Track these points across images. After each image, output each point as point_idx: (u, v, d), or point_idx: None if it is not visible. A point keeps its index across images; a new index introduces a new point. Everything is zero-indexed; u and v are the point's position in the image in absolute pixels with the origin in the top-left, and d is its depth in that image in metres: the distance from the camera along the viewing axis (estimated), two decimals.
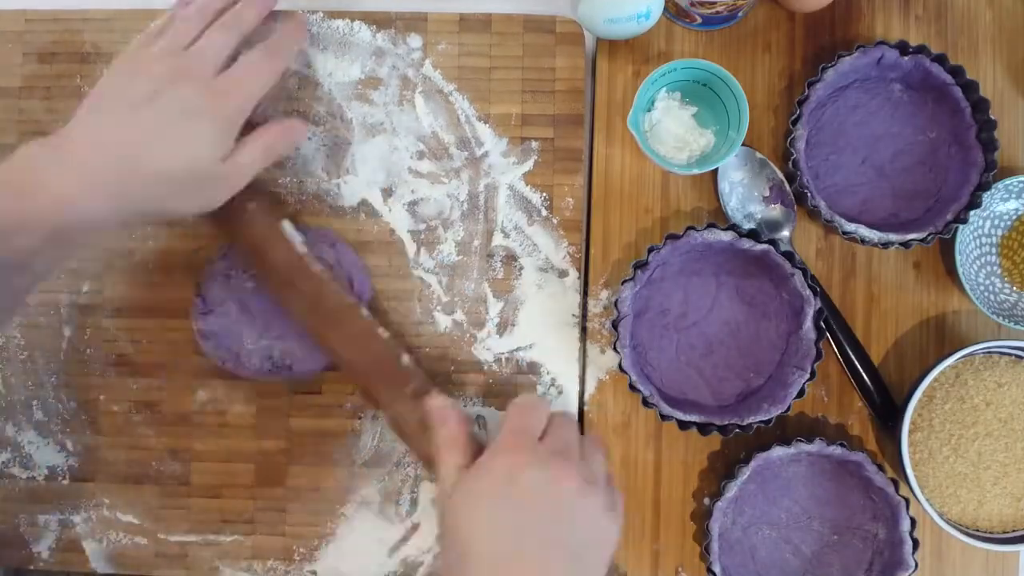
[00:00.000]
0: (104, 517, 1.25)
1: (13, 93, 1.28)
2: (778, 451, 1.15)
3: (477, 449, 1.08)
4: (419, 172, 1.25)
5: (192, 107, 1.08)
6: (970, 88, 1.16)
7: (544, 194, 1.25)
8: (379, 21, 1.27)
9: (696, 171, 1.18)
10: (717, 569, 1.15)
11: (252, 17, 1.17)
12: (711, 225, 1.15)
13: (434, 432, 1.09)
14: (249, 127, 1.14)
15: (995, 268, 1.23)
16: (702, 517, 1.22)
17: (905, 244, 1.16)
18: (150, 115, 1.06)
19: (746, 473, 1.15)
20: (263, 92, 1.14)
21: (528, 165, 1.25)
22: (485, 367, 1.25)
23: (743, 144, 1.19)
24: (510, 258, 1.25)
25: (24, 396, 1.26)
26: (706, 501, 1.22)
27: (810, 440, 1.15)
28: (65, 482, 1.25)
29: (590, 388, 1.24)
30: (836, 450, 1.15)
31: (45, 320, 1.26)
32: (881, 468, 1.15)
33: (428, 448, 1.11)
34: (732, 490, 1.15)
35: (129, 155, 1.05)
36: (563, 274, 1.24)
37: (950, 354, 1.14)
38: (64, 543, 1.25)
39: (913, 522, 1.14)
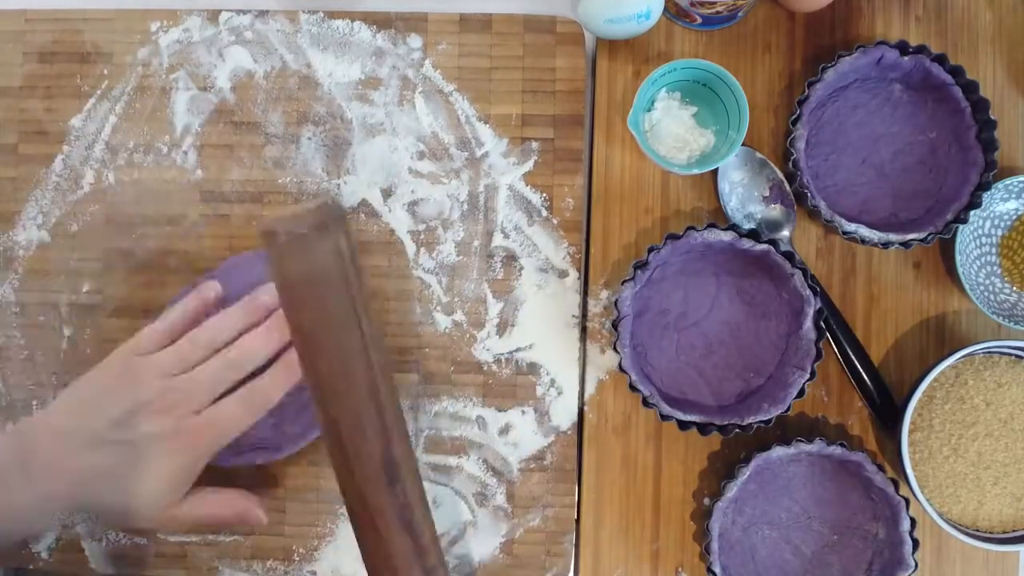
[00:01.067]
0: None
1: (13, 92, 1.28)
2: (778, 451, 1.15)
3: None
4: (419, 172, 1.25)
5: (154, 450, 1.04)
6: (970, 88, 1.16)
7: (544, 194, 1.25)
8: (379, 21, 1.27)
9: (696, 171, 1.18)
10: (717, 569, 1.15)
11: (257, 359, 1.10)
12: (711, 225, 1.15)
13: None
14: None
15: (995, 268, 1.23)
16: (702, 517, 1.22)
17: (905, 244, 1.16)
18: (109, 450, 1.04)
19: (746, 473, 1.15)
20: (241, 432, 1.09)
21: (528, 165, 1.26)
22: (485, 367, 1.25)
23: (743, 144, 1.19)
24: (510, 258, 1.25)
25: (24, 396, 1.26)
26: (706, 501, 1.22)
27: (810, 440, 1.15)
28: None
29: (590, 388, 1.24)
30: (836, 450, 1.15)
31: (45, 320, 1.26)
32: (881, 468, 1.15)
33: None
34: (732, 490, 1.15)
35: (78, 485, 1.04)
36: (563, 275, 1.24)
37: (950, 354, 1.14)
38: (64, 543, 1.25)
39: (913, 522, 1.14)
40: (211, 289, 1.15)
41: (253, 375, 1.09)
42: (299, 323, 1.03)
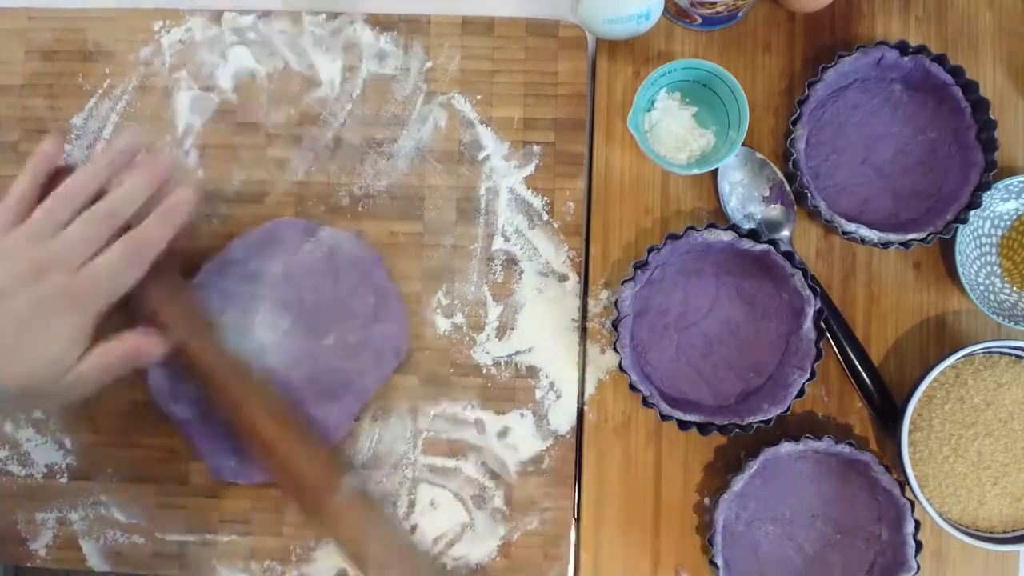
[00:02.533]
0: (102, 516, 1.25)
1: (15, 91, 1.28)
2: (786, 447, 1.15)
3: None
4: (421, 175, 1.26)
5: (40, 314, 1.01)
6: (970, 88, 1.17)
7: (545, 198, 1.25)
8: (382, 23, 1.28)
9: (696, 171, 1.18)
10: (720, 561, 1.15)
11: (128, 206, 1.07)
12: (711, 225, 1.15)
13: None
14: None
15: (995, 268, 1.23)
16: (703, 514, 1.22)
17: (905, 244, 1.16)
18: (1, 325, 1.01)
19: (753, 467, 1.14)
20: (130, 285, 1.07)
21: (529, 169, 1.26)
22: (484, 370, 1.25)
23: (743, 144, 1.19)
24: (510, 262, 1.25)
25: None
26: (706, 501, 1.22)
27: (819, 438, 1.15)
28: (63, 480, 1.25)
29: (590, 388, 1.24)
30: (844, 449, 1.15)
31: None
32: (888, 469, 1.15)
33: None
34: (739, 483, 1.14)
35: None
36: (563, 278, 1.24)
37: (950, 354, 1.14)
38: (62, 541, 1.25)
39: (917, 524, 1.14)
40: (48, 143, 1.10)
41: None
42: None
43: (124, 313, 1.10)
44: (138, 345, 1.09)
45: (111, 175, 1.09)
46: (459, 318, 1.25)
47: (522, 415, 1.24)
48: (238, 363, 1.17)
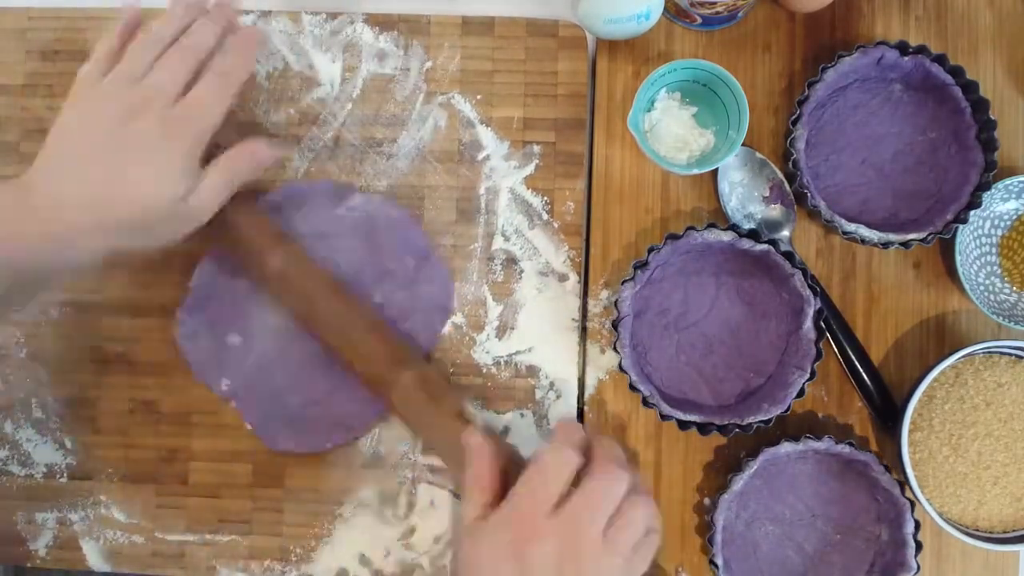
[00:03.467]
0: (102, 515, 1.25)
1: (16, 91, 1.29)
2: (786, 447, 1.15)
3: (505, 477, 1.05)
4: (421, 175, 1.26)
5: (150, 145, 1.05)
6: (970, 88, 1.16)
7: (545, 198, 1.25)
8: (382, 23, 1.28)
9: (696, 171, 1.18)
10: (719, 561, 1.15)
11: (209, 40, 1.12)
12: (711, 225, 1.15)
13: (467, 466, 1.06)
14: (212, 150, 1.11)
15: (995, 268, 1.23)
16: (703, 514, 1.22)
17: (905, 244, 1.16)
18: (107, 160, 1.05)
19: (753, 467, 1.15)
20: (223, 115, 1.10)
21: (529, 169, 1.26)
22: (484, 370, 1.25)
23: (743, 144, 1.19)
24: (510, 262, 1.25)
25: (23, 394, 1.26)
26: (706, 501, 1.22)
27: (819, 438, 1.15)
28: (63, 480, 1.25)
29: (590, 388, 1.24)
30: (844, 449, 1.15)
31: (44, 319, 1.27)
32: (888, 469, 1.15)
33: (458, 471, 1.10)
34: (738, 483, 1.15)
35: (90, 205, 1.04)
36: (563, 278, 1.24)
37: (950, 354, 1.14)
38: (62, 541, 1.25)
39: (917, 525, 1.14)
40: (133, 11, 1.15)
41: None
42: None
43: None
44: (253, 150, 1.13)
45: (188, 19, 1.13)
46: (459, 318, 1.25)
47: (522, 415, 1.24)
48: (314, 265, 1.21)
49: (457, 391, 1.22)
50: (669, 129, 1.20)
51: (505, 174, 1.26)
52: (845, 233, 1.16)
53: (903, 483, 1.14)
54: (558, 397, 1.24)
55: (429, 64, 1.27)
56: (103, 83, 1.08)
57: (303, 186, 1.26)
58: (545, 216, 1.25)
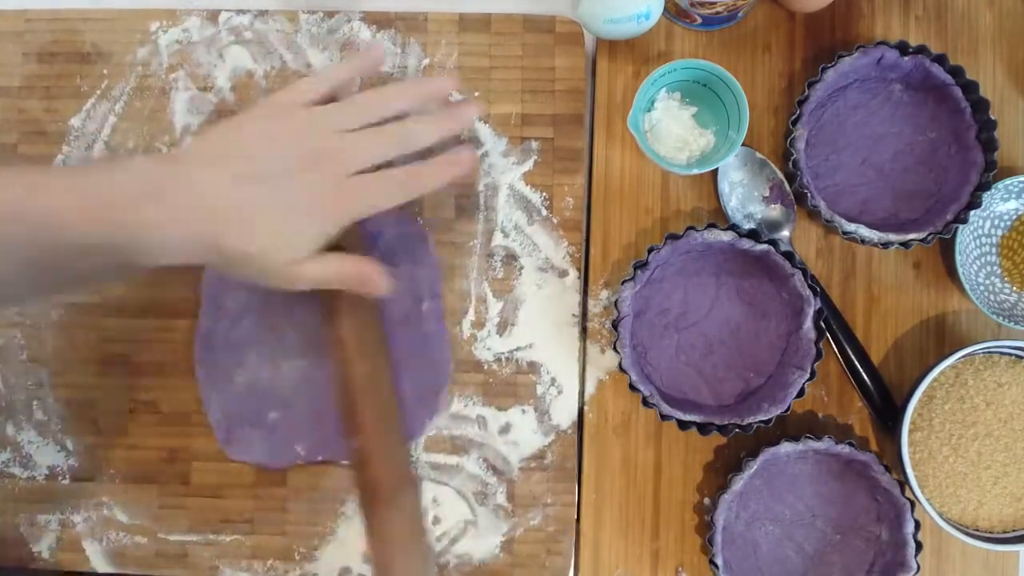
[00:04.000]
0: (104, 517, 1.25)
1: (13, 93, 1.28)
2: (786, 447, 1.16)
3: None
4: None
5: (313, 205, 1.02)
6: (970, 88, 1.16)
7: (544, 194, 1.25)
8: (379, 21, 1.27)
9: (696, 171, 1.18)
10: (719, 561, 1.16)
11: (428, 141, 1.08)
12: (711, 225, 1.15)
13: None
14: None
15: (995, 268, 1.23)
16: (703, 514, 1.22)
17: (905, 244, 1.16)
18: (264, 193, 1.00)
19: (753, 467, 1.15)
20: (385, 207, 1.06)
21: (528, 165, 1.26)
22: (485, 367, 1.25)
23: (743, 144, 1.19)
24: (510, 258, 1.25)
25: (24, 396, 1.26)
26: (706, 501, 1.22)
27: (819, 438, 1.15)
28: (65, 482, 1.25)
29: (590, 388, 1.24)
30: (844, 449, 1.15)
31: (45, 320, 1.27)
32: (888, 469, 1.15)
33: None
34: (738, 483, 1.15)
35: (222, 220, 0.99)
36: (563, 274, 1.25)
37: (950, 354, 1.14)
38: (64, 543, 1.25)
39: (917, 525, 1.14)
40: (378, 50, 1.13)
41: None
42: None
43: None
44: (372, 274, 1.08)
45: (420, 104, 1.10)
46: (459, 315, 1.25)
47: (523, 411, 1.25)
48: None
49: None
50: (669, 129, 1.20)
51: (504, 170, 1.26)
52: (845, 233, 1.16)
53: (903, 483, 1.15)
54: (559, 393, 1.24)
55: (427, 61, 1.27)
56: (311, 114, 1.05)
57: None
58: (544, 212, 1.25)
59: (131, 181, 0.97)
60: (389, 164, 1.06)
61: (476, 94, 1.26)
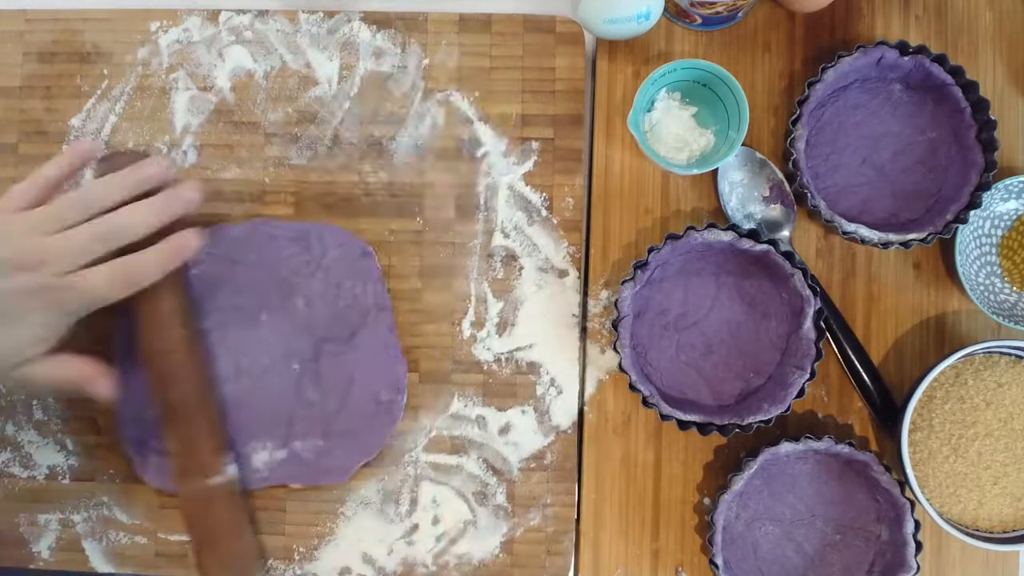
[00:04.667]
0: (104, 517, 1.25)
1: (13, 93, 1.28)
2: (786, 447, 1.16)
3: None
4: (419, 172, 1.26)
5: (23, 309, 1.02)
6: (970, 88, 1.16)
7: (544, 194, 1.25)
8: (379, 21, 1.27)
9: (696, 171, 1.18)
10: (719, 560, 1.15)
11: (146, 227, 1.08)
12: (711, 225, 1.16)
13: None
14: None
15: (995, 268, 1.23)
16: (702, 514, 1.22)
17: (905, 244, 1.16)
18: None
19: (753, 467, 1.15)
20: (109, 300, 1.07)
21: (528, 165, 1.26)
22: (485, 367, 1.25)
23: (743, 144, 1.19)
24: (510, 258, 1.25)
25: (24, 395, 1.26)
26: (706, 501, 1.22)
27: (819, 438, 1.15)
28: (65, 482, 1.25)
29: (590, 388, 1.24)
30: (844, 449, 1.15)
31: None
32: (888, 469, 1.15)
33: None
34: (738, 483, 1.15)
35: None
36: (563, 274, 1.24)
37: (950, 354, 1.14)
38: (64, 542, 1.25)
39: (917, 525, 1.14)
40: (86, 144, 1.13)
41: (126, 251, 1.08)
42: None
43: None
44: (94, 376, 1.11)
45: (130, 195, 1.10)
46: (459, 315, 1.25)
47: (523, 411, 1.24)
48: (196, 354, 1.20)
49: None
50: (669, 129, 1.20)
51: (504, 171, 1.26)
52: (845, 233, 1.16)
53: (903, 483, 1.15)
54: (559, 393, 1.24)
55: (427, 61, 1.27)
56: (15, 216, 1.06)
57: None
58: (544, 212, 1.25)
59: None
60: (122, 252, 1.08)
61: (476, 94, 1.26)
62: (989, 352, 1.17)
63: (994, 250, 1.23)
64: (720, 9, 1.18)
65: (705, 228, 1.15)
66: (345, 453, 1.23)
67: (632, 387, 1.15)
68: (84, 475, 1.25)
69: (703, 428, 1.15)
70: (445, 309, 1.25)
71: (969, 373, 1.17)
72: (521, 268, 1.25)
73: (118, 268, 1.07)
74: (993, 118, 1.15)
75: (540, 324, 1.25)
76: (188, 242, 1.11)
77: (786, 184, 1.22)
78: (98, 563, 1.25)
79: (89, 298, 1.05)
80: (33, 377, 1.06)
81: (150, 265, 1.08)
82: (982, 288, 1.22)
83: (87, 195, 1.08)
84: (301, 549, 1.24)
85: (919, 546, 1.14)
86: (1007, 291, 1.22)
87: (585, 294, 1.25)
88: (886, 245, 1.16)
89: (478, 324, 1.25)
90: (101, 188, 1.09)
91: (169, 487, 1.23)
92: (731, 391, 1.22)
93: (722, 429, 1.15)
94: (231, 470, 1.19)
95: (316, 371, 1.23)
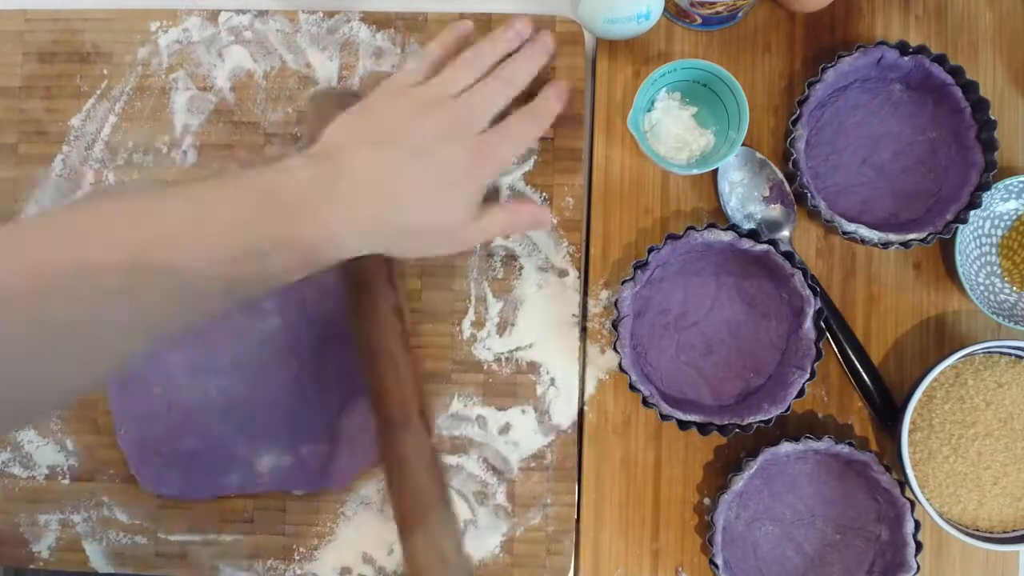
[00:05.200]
0: (104, 517, 1.25)
1: (13, 93, 1.28)
2: (786, 447, 1.16)
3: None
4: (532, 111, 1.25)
5: (458, 172, 1.04)
6: (970, 88, 1.16)
7: (544, 194, 1.25)
8: (379, 21, 1.27)
9: (696, 171, 1.18)
10: (719, 561, 1.16)
11: (528, 74, 1.11)
12: (711, 225, 1.16)
13: None
14: None
15: (995, 268, 1.23)
16: (703, 514, 1.22)
17: (905, 244, 1.16)
18: (420, 172, 1.02)
19: (753, 467, 1.15)
20: (518, 157, 1.17)
21: (528, 165, 1.26)
22: (485, 367, 1.25)
23: (743, 144, 1.19)
24: (510, 258, 1.25)
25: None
26: (706, 501, 1.22)
27: (819, 438, 1.15)
28: (65, 482, 1.25)
29: (590, 388, 1.24)
30: (844, 449, 1.15)
31: None
32: (888, 469, 1.15)
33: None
34: (738, 483, 1.15)
35: (395, 207, 1.01)
36: (563, 274, 1.25)
37: (950, 354, 1.14)
38: (64, 543, 1.25)
39: (917, 525, 1.14)
40: (464, 25, 1.16)
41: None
42: None
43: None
44: (539, 212, 1.16)
45: (509, 49, 1.13)
46: (459, 315, 1.25)
47: (523, 411, 1.25)
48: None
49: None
50: (669, 129, 1.20)
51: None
52: (845, 233, 1.16)
53: (903, 483, 1.15)
54: (559, 393, 1.24)
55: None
56: (421, 90, 1.08)
57: None
58: None
59: (299, 182, 0.99)
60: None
61: None
62: (989, 352, 1.17)
63: (994, 250, 1.23)
64: (720, 9, 1.18)
65: (705, 228, 1.15)
66: (348, 458, 1.23)
67: (632, 387, 1.15)
68: (84, 475, 1.25)
69: (703, 428, 1.15)
70: (445, 309, 1.25)
71: (969, 373, 1.17)
72: (521, 268, 1.25)
73: (526, 112, 1.11)
74: (993, 118, 1.15)
75: (540, 324, 1.25)
76: (563, 85, 1.15)
77: (786, 184, 1.22)
78: (98, 563, 1.25)
79: (513, 147, 1.10)
80: (483, 226, 1.08)
81: (548, 105, 1.13)
82: (982, 288, 1.22)
83: (474, 55, 1.10)
84: (301, 549, 1.24)
85: (919, 546, 1.14)
86: (1007, 291, 1.22)
87: (585, 294, 1.25)
88: (886, 245, 1.16)
89: (478, 324, 1.25)
90: (482, 47, 1.11)
91: (167, 493, 1.24)
92: (731, 391, 1.22)
93: (722, 429, 1.15)
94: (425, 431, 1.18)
95: (317, 369, 1.23)
